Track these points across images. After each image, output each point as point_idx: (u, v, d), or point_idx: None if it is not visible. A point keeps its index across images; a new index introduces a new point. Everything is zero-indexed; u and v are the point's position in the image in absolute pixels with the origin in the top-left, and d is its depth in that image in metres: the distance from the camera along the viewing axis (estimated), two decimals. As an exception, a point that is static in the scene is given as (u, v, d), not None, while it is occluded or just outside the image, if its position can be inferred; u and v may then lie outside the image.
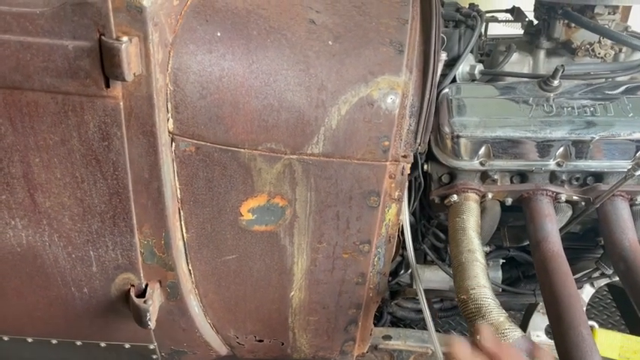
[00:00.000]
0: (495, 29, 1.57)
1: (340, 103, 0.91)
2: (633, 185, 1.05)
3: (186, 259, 0.99)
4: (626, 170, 1.03)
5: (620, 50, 1.16)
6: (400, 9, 1.04)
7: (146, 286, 0.95)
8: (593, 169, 1.07)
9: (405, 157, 0.97)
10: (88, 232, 0.89)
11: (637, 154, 1.05)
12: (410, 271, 1.29)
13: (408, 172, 0.98)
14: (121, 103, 0.77)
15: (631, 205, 1.08)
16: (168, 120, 0.84)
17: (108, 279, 0.94)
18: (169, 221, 0.90)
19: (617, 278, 1.15)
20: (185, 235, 0.96)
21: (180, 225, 0.95)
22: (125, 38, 0.71)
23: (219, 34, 0.86)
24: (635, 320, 1.00)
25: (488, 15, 1.43)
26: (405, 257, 1.28)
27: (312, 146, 0.93)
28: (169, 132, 0.85)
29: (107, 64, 0.72)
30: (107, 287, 0.95)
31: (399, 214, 1.03)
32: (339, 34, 0.94)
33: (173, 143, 0.86)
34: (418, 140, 0.97)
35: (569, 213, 1.12)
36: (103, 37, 0.72)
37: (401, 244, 1.15)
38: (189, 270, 1.00)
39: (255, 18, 0.90)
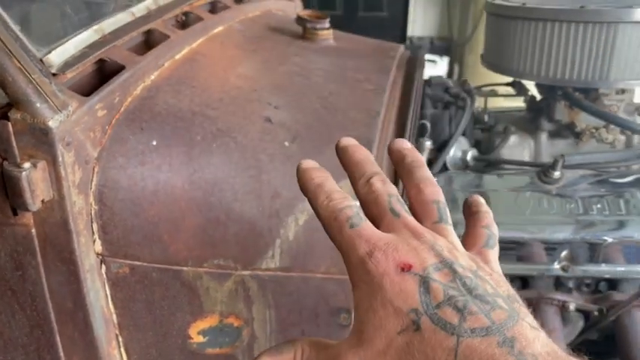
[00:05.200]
0: (500, 102, 1.45)
1: (297, 212, 0.80)
2: (655, 295, 0.89)
3: (131, 388, 0.87)
4: (643, 278, 0.88)
5: (632, 134, 1.02)
6: (372, 99, 0.94)
7: (83, 420, 0.84)
8: (604, 275, 0.92)
9: (378, 268, 0.84)
10: (11, 366, 0.79)
11: (656, 259, 0.89)
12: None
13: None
14: (33, 231, 0.68)
15: (654, 316, 0.92)
16: (94, 241, 0.74)
17: (39, 414, 0.83)
18: (102, 352, 0.79)
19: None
20: (127, 362, 0.85)
21: (120, 352, 0.83)
22: (27, 164, 0.62)
23: (154, 143, 0.77)
24: None
25: (488, 89, 1.32)
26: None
27: (267, 260, 0.81)
28: (97, 254, 0.75)
29: (10, 192, 0.63)
30: (40, 422, 0.84)
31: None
32: (297, 133, 0.84)
33: (103, 265, 0.76)
34: (393, 250, 0.85)
35: (581, 323, 0.96)
36: (5, 163, 0.63)
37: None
38: (136, 399, 0.88)
39: (200, 120, 0.81)
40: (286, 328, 0.87)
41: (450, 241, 0.38)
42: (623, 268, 0.90)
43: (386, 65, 1.09)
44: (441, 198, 0.41)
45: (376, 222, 0.39)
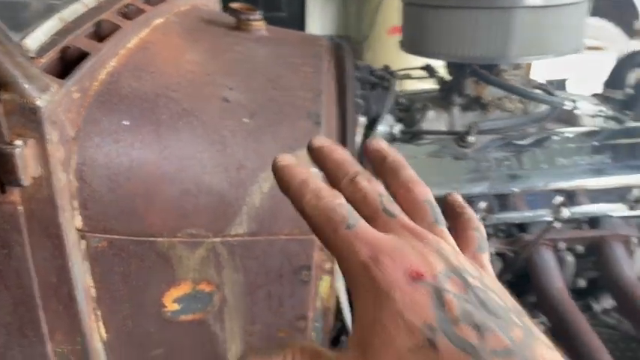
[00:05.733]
0: (413, 84, 1.62)
1: (261, 180, 0.89)
2: (555, 233, 1.08)
3: (109, 361, 0.91)
4: (546, 219, 1.06)
5: (528, 102, 1.21)
6: (314, 79, 1.04)
7: (64, 397, 0.86)
8: (515, 221, 1.09)
9: (332, 227, 0.95)
10: (-9, 348, 0.80)
11: (554, 203, 1.08)
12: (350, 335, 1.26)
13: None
14: (20, 208, 0.71)
15: (556, 251, 1.11)
16: (74, 218, 0.78)
17: (19, 395, 0.85)
18: (85, 325, 0.83)
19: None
20: (105, 335, 0.89)
21: (98, 326, 0.87)
22: (19, 142, 0.66)
23: (126, 123, 0.82)
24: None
25: (402, 72, 1.47)
26: (344, 323, 1.25)
27: (236, 227, 0.89)
28: (78, 230, 0.79)
29: (1, 170, 0.66)
30: (19, 404, 0.86)
31: (332, 285, 1.00)
32: (254, 110, 0.93)
33: (83, 241, 0.80)
34: (344, 210, 0.96)
35: (499, 265, 1.13)
36: (-7, 142, 0.66)
37: (337, 312, 1.12)
38: (113, 372, 0.92)
39: (164, 101, 0.87)
40: (254, 291, 0.95)
41: (450, 244, 0.35)
42: (530, 214, 1.09)
43: (318, 52, 1.20)
44: (432, 198, 0.38)
45: (368, 224, 0.35)
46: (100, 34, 0.97)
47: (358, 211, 0.35)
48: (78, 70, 0.78)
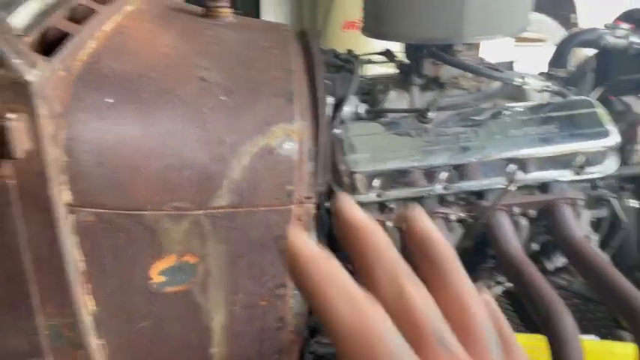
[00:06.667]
0: (372, 69, 1.69)
1: (240, 154, 0.94)
2: (509, 198, 1.18)
3: (97, 335, 0.94)
4: (501, 186, 1.15)
5: (481, 81, 1.31)
6: (284, 61, 1.10)
7: (55, 370, 0.89)
8: (474, 189, 1.18)
9: (308, 198, 1.01)
10: (-17, 323, 0.82)
11: (506, 170, 1.18)
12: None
13: (314, 212, 1.03)
14: (10, 182, 0.74)
15: (511, 215, 1.20)
16: (63, 192, 0.81)
17: (12, 369, 0.87)
18: (75, 297, 0.85)
19: (510, 284, 1.27)
20: (93, 308, 0.91)
21: (87, 299, 0.90)
22: (13, 115, 0.69)
23: (110, 101, 0.85)
24: (531, 320, 1.11)
25: (364, 57, 1.54)
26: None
27: (218, 199, 0.94)
28: (67, 204, 0.82)
29: (-6, 143, 0.69)
30: (12, 378, 0.88)
31: (309, 254, 1.06)
32: (230, 89, 0.98)
33: (72, 215, 0.83)
34: (319, 181, 1.02)
35: (460, 231, 1.22)
36: (-13, 116, 0.69)
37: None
38: (102, 345, 0.95)
39: (145, 81, 0.91)
40: (236, 261, 1.00)
41: None
42: (486, 181, 1.18)
43: (286, 36, 1.26)
44: (488, 320, 0.31)
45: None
46: (76, 18, 0.99)
47: (398, 328, 0.27)
48: (61, 49, 0.81)
